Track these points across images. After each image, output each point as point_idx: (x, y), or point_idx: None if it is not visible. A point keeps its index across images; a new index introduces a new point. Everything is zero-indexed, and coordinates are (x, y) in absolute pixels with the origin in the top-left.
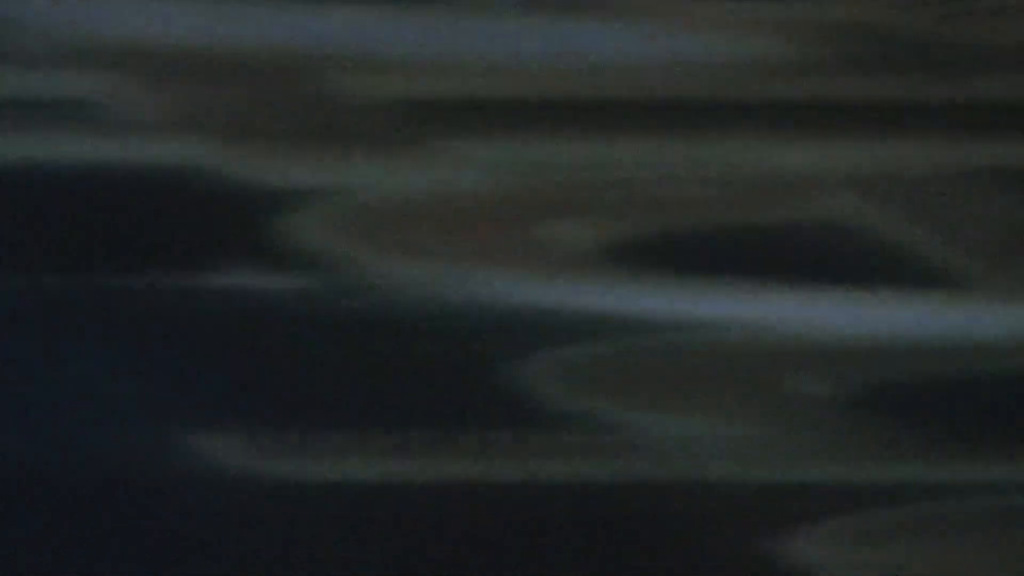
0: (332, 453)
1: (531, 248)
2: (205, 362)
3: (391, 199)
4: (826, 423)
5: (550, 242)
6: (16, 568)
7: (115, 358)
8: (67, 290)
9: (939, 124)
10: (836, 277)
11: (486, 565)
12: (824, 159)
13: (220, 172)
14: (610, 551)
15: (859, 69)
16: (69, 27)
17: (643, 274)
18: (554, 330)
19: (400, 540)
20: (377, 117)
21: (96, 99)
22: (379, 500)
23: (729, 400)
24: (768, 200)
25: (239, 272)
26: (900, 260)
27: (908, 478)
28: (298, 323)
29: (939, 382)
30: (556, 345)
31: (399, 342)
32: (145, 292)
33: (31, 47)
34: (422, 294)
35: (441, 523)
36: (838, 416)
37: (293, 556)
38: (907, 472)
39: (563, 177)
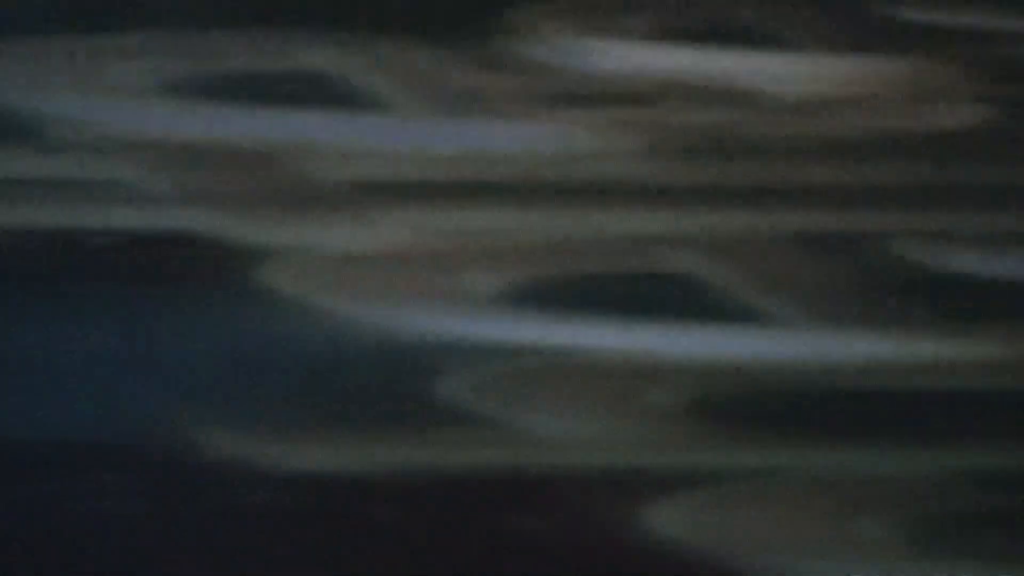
0: (295, 446)
1: (447, 293)
2: (204, 367)
3: (341, 255)
4: (674, 424)
5: (462, 288)
6: None
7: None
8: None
9: (754, 199)
10: (681, 315)
11: (408, 532)
12: (670, 226)
13: (212, 234)
14: (508, 524)
15: (697, 158)
16: (95, 122)
17: (535, 312)
18: (465, 354)
19: (340, 518)
20: (331, 193)
21: (114, 179)
22: (325, 487)
23: (601, 407)
24: (627, 257)
25: (225, 308)
26: (727, 302)
27: (736, 464)
28: (269, 347)
29: (757, 393)
30: (466, 365)
31: (347, 364)
32: (158, 309)
33: (63, 137)
34: (364, 327)
35: (377, 500)
36: (683, 419)
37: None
38: (736, 459)
39: (472, 239)
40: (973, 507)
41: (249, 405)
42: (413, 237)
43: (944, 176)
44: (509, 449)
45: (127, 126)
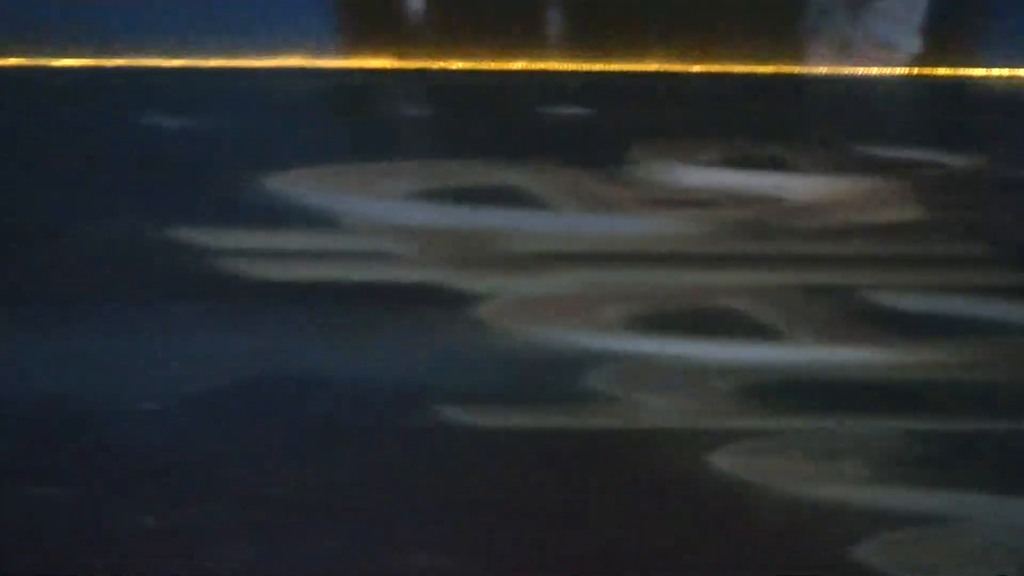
0: (495, 414)
1: (589, 321)
2: (436, 369)
3: (524, 298)
4: (727, 401)
5: (598, 319)
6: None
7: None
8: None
9: (776, 263)
10: (729, 334)
11: (555, 465)
12: (724, 280)
13: (442, 284)
14: (620, 463)
15: (741, 237)
16: (369, 215)
17: (643, 333)
18: (599, 358)
19: (521, 459)
20: (517, 259)
21: (377, 250)
22: (509, 439)
23: (682, 391)
24: (698, 297)
25: (450, 331)
26: (758, 327)
27: (767, 426)
28: (479, 354)
29: (778, 382)
30: (599, 365)
31: (526, 363)
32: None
33: (345, 224)
34: (538, 341)
35: (542, 446)
36: (733, 398)
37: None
38: (767, 423)
39: (604, 287)
40: (918, 453)
41: (468, 388)
42: (569, 287)
43: (894, 248)
44: (625, 416)
45: (388, 217)
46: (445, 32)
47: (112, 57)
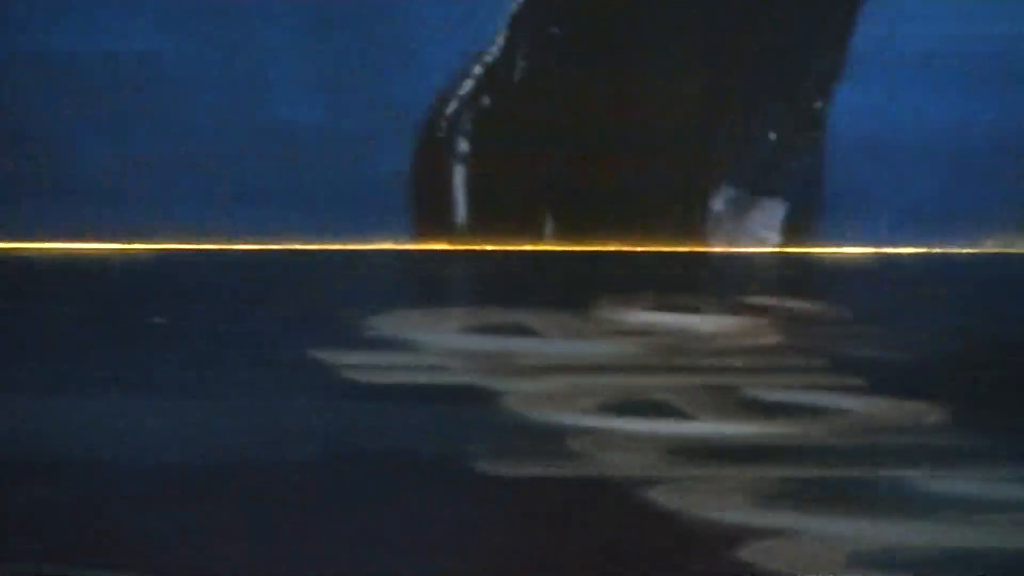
0: (509, 464)
1: (575, 406)
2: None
3: (540, 394)
4: (675, 455)
5: (579, 406)
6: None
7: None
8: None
9: (695, 371)
10: (669, 415)
11: (551, 499)
12: (662, 382)
13: (481, 385)
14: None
15: (673, 356)
16: (437, 344)
17: (607, 417)
18: (578, 433)
19: (531, 501)
20: (526, 368)
21: (439, 366)
22: (519, 485)
23: (644, 453)
24: (647, 392)
25: (487, 413)
26: (686, 412)
27: (699, 470)
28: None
29: (700, 443)
30: (576, 436)
31: (535, 433)
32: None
33: (419, 349)
34: (541, 421)
35: (540, 490)
36: (677, 454)
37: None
38: (696, 469)
39: (584, 388)
40: (780, 490)
41: (493, 451)
42: (556, 386)
43: (762, 362)
44: (593, 467)
45: (442, 344)
46: (480, 226)
47: (267, 242)
